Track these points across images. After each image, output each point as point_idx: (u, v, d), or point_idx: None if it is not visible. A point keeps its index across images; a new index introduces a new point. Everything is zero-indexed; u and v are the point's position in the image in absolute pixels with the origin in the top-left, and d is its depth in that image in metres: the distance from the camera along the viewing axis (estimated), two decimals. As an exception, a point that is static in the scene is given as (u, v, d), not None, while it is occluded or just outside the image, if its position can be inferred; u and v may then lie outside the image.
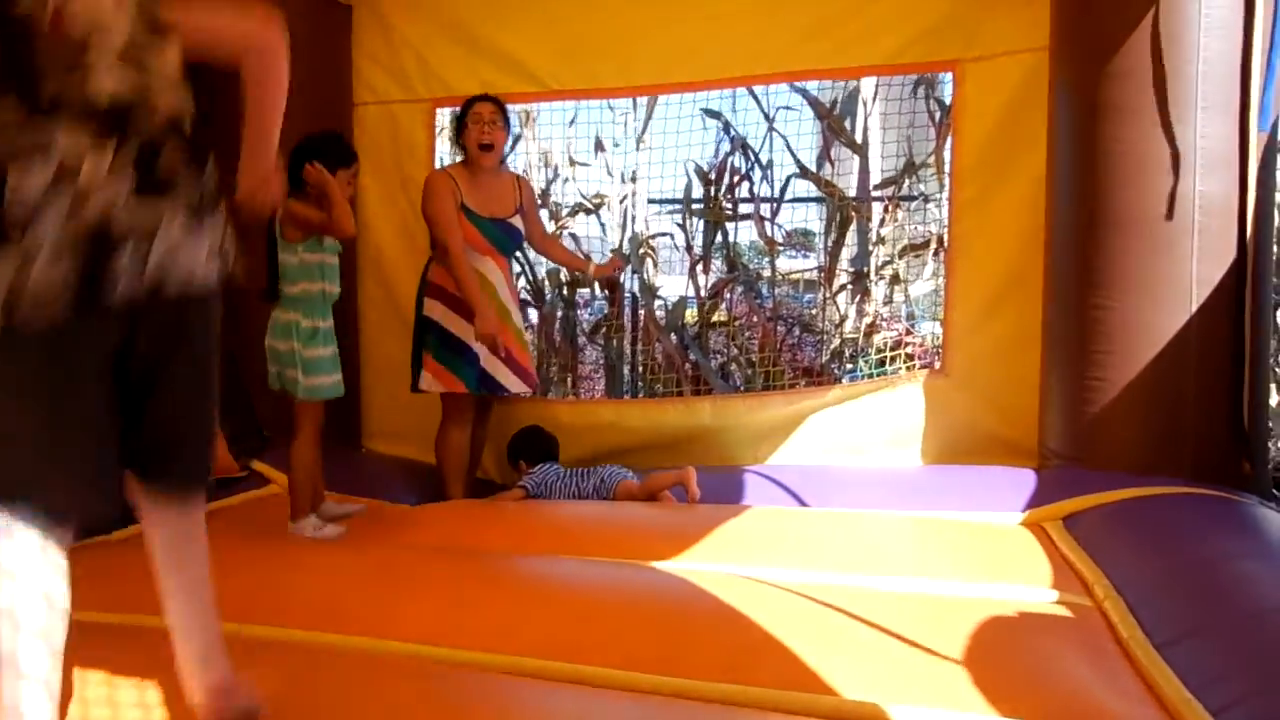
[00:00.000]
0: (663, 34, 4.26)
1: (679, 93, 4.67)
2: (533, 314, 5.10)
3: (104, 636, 2.06)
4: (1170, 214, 3.27)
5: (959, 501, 3.37)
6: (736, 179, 4.89)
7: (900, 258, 4.68)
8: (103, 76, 1.31)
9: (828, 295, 4.79)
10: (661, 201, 5.15)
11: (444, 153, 4.76)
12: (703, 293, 4.96)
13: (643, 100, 4.84)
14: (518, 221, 3.95)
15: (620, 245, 4.95)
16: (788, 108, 4.80)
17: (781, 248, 5.00)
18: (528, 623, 2.19)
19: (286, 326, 3.15)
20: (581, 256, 4.55)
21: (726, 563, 2.71)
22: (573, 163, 5.11)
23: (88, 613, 2.19)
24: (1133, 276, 3.35)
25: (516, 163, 5.06)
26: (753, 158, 4.85)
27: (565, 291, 5.04)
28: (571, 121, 5.02)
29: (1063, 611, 2.33)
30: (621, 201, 4.98)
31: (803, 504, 3.51)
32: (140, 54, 1.36)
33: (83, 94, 1.30)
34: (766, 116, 4.78)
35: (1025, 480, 3.49)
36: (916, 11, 4.01)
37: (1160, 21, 3.24)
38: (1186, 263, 3.30)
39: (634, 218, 4.96)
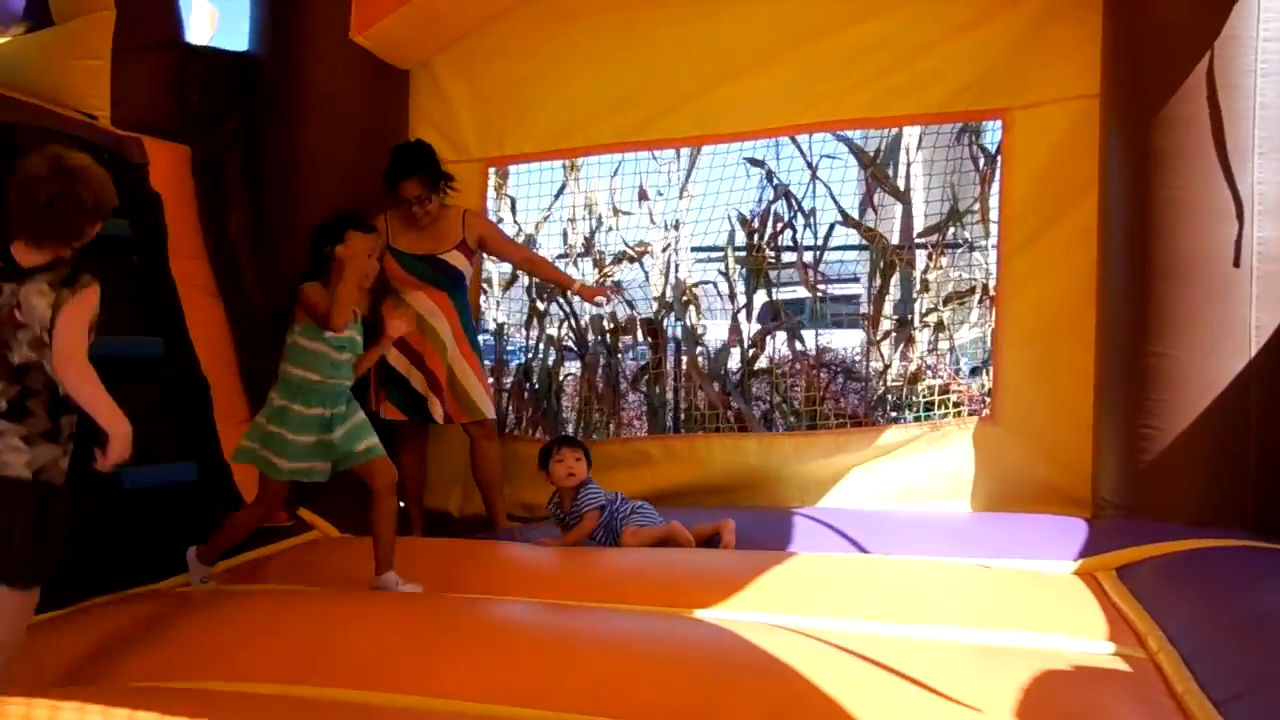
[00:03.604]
0: (710, 86, 4.34)
1: (725, 143, 4.74)
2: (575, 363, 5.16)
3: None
4: (1237, 261, 3.22)
5: (1010, 549, 3.30)
6: (779, 227, 4.91)
7: (945, 305, 4.65)
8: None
9: (872, 341, 4.76)
10: (705, 249, 5.19)
11: (494, 210, 4.90)
12: (746, 340, 4.96)
13: (686, 150, 4.91)
14: (453, 258, 4.13)
15: (664, 293, 4.99)
16: (830, 156, 4.82)
17: (823, 295, 4.99)
18: (570, 676, 2.18)
19: (265, 401, 3.21)
20: (571, 277, 4.64)
21: (771, 612, 2.68)
22: (617, 211, 5.17)
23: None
24: (1189, 323, 3.30)
25: (561, 212, 5.16)
26: (795, 205, 4.87)
27: (608, 339, 5.08)
28: (615, 171, 5.10)
29: (1116, 664, 2.27)
30: (665, 250, 5.03)
31: (860, 549, 3.46)
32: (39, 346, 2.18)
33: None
34: (809, 164, 4.81)
35: (1078, 529, 3.41)
36: (966, 60, 4.02)
37: (1215, 68, 3.22)
38: (1245, 309, 3.25)
39: (677, 265, 5.00)
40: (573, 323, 5.11)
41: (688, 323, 4.96)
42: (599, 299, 4.45)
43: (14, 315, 2.15)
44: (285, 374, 3.17)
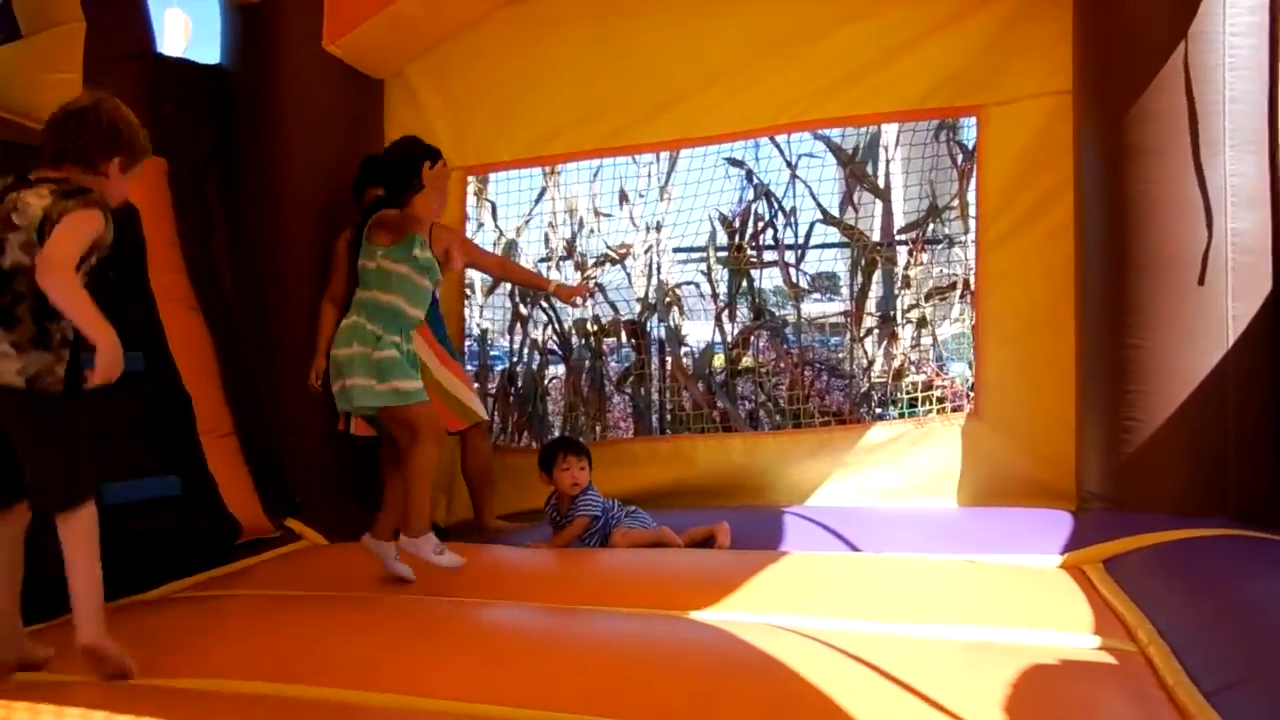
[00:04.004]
0: (688, 90, 4.34)
1: (705, 145, 4.74)
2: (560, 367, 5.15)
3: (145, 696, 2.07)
4: (1202, 279, 3.26)
5: (996, 544, 3.33)
6: (760, 226, 4.92)
7: (926, 301, 4.67)
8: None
9: (855, 338, 4.79)
10: (686, 250, 5.19)
11: (474, 216, 4.88)
12: (729, 339, 4.97)
13: (666, 151, 4.91)
14: None
15: (646, 295, 4.99)
16: (810, 155, 4.84)
17: (806, 292, 5.01)
18: (562, 678, 2.18)
19: (352, 330, 3.06)
20: (546, 278, 4.64)
21: (764, 612, 2.68)
22: (597, 214, 5.16)
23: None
24: (1166, 315, 3.35)
25: (542, 216, 5.15)
26: (776, 205, 4.88)
27: (592, 341, 5.07)
28: (595, 175, 5.09)
29: (1105, 657, 2.28)
30: (646, 251, 5.02)
31: (852, 547, 3.47)
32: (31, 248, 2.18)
33: None
34: (789, 164, 4.82)
35: (1063, 522, 3.44)
36: (940, 58, 4.05)
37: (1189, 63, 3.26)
38: (1221, 300, 3.29)
39: (659, 267, 5.00)
40: (556, 326, 5.10)
41: (671, 323, 4.97)
42: (576, 299, 4.43)
43: (10, 219, 2.18)
44: (370, 301, 3.08)
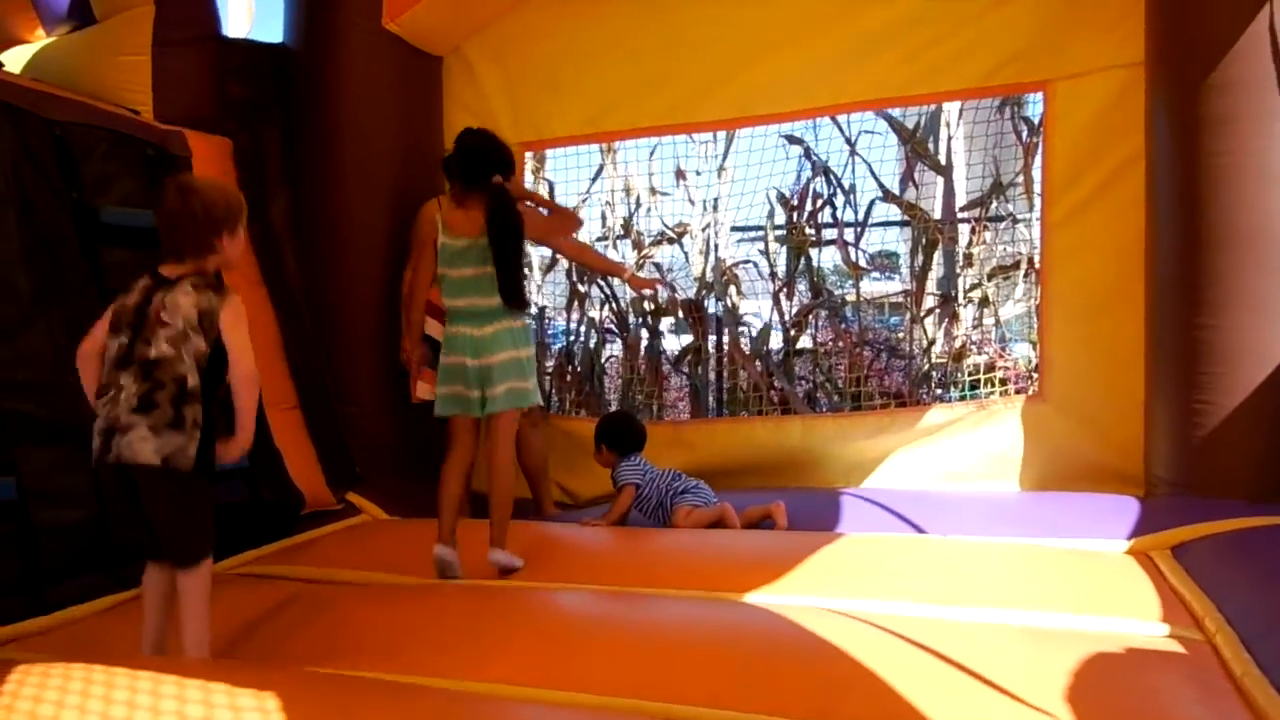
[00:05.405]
0: (745, 66, 4.29)
1: (763, 124, 4.69)
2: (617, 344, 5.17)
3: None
4: None
5: (1061, 529, 3.26)
6: (819, 204, 4.87)
7: (989, 280, 4.58)
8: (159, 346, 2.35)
9: (915, 318, 4.71)
10: (744, 229, 5.16)
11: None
12: (787, 319, 4.94)
13: (723, 131, 4.87)
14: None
15: (704, 273, 4.97)
16: (870, 132, 4.77)
17: (866, 270, 4.95)
18: (616, 662, 2.19)
19: (519, 333, 3.08)
20: (621, 265, 4.54)
21: (818, 595, 2.67)
22: (655, 193, 5.16)
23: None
24: (1242, 294, 3.23)
25: (600, 195, 5.16)
26: (835, 182, 4.82)
27: (649, 320, 5.08)
28: (653, 153, 5.07)
29: (1171, 646, 2.23)
30: (704, 230, 5.01)
31: (915, 528, 3.43)
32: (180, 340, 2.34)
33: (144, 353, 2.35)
34: (848, 141, 4.75)
35: (1130, 508, 3.36)
36: (1006, 34, 3.94)
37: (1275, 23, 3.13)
38: (1300, 278, 3.16)
39: (716, 245, 4.98)
40: (614, 305, 5.12)
41: (729, 302, 4.95)
42: (646, 290, 4.41)
43: (159, 315, 2.36)
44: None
